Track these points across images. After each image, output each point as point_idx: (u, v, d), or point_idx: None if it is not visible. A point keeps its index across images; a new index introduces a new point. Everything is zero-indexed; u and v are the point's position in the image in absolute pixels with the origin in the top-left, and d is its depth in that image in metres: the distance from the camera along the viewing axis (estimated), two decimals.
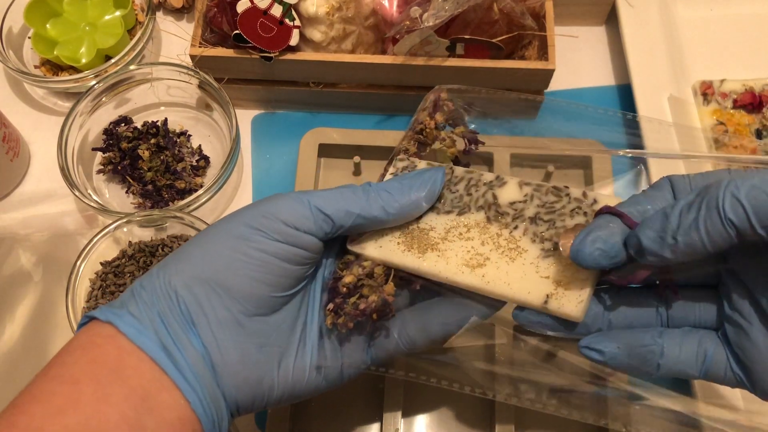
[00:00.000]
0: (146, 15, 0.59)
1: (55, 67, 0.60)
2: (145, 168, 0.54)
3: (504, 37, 0.51)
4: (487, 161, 0.52)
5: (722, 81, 0.55)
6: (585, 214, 0.32)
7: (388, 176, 0.38)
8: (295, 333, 0.34)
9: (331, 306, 0.33)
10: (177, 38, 0.61)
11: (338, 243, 0.36)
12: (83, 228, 0.55)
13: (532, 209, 0.33)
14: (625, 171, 0.56)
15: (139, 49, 0.57)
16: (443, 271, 0.33)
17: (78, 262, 0.48)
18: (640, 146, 0.52)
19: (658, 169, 0.51)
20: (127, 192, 0.56)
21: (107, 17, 0.60)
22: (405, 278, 0.35)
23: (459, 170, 0.36)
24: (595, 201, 0.32)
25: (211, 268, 0.31)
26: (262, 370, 0.32)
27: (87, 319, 0.32)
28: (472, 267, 0.33)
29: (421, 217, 0.35)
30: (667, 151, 0.52)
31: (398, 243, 0.35)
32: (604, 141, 0.54)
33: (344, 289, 0.34)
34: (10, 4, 0.59)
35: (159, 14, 0.64)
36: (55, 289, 0.53)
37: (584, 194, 0.33)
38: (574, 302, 0.30)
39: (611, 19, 0.62)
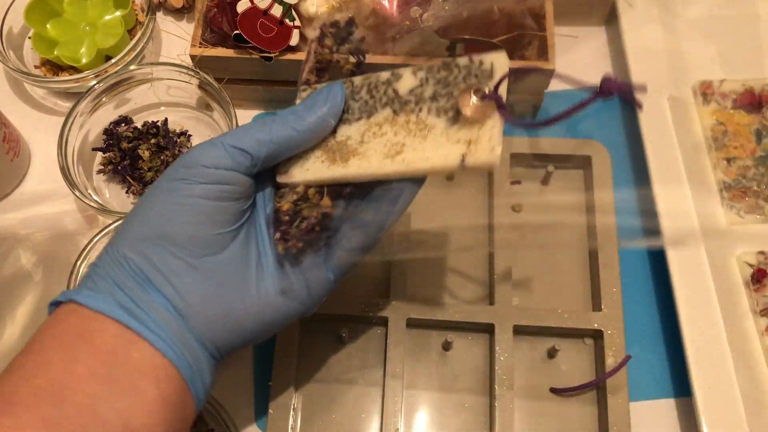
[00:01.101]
0: (146, 15, 0.59)
1: (55, 67, 0.60)
2: (146, 168, 0.54)
3: (504, 37, 0.51)
4: None
5: (722, 81, 0.55)
6: (476, 76, 0.34)
7: None
8: (250, 265, 0.35)
9: (278, 235, 0.35)
10: (177, 38, 0.61)
11: (271, 179, 0.38)
12: (83, 228, 0.55)
13: (430, 89, 0.35)
14: (625, 171, 0.56)
15: (139, 49, 0.57)
16: (368, 168, 0.35)
17: (78, 262, 0.48)
18: (641, 146, 0.52)
19: (658, 169, 0.51)
20: (127, 192, 0.56)
21: (107, 17, 0.61)
22: (336, 189, 0.37)
23: (357, 79, 0.38)
24: (481, 63, 0.34)
25: (151, 226, 0.34)
26: (226, 304, 0.34)
27: (52, 308, 0.34)
28: (392, 156, 0.35)
29: (335, 131, 0.37)
30: (668, 150, 0.52)
31: (322, 161, 0.37)
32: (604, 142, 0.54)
33: (285, 217, 0.36)
34: (10, 4, 0.59)
35: (159, 14, 0.64)
36: (55, 289, 0.53)
37: (470, 59, 0.35)
38: (487, 150, 0.32)
39: (611, 19, 0.62)
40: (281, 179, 0.38)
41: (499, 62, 0.34)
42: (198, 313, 0.33)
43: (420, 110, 0.35)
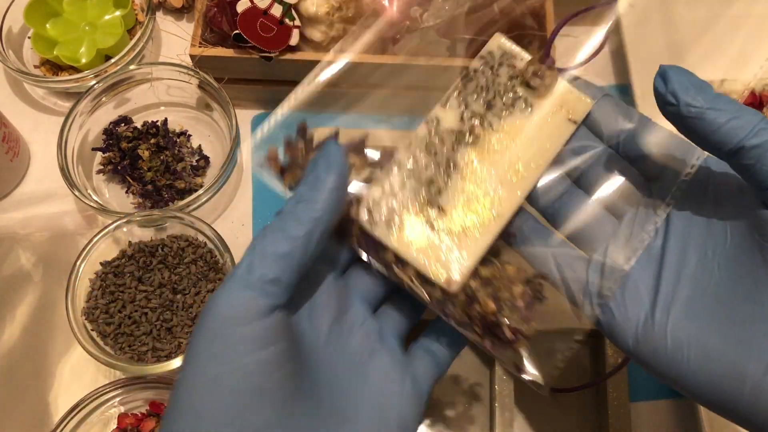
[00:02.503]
0: (146, 15, 0.59)
1: (55, 67, 0.60)
2: (145, 168, 0.54)
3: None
4: None
5: (722, 81, 0.55)
6: (503, 63, 0.35)
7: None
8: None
9: (510, 335, 0.31)
10: (177, 38, 0.61)
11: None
12: (83, 228, 0.55)
13: (478, 104, 0.34)
14: None
15: (139, 49, 0.57)
16: (510, 203, 0.33)
17: (78, 262, 0.48)
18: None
19: None
20: (127, 192, 0.56)
21: (107, 17, 0.60)
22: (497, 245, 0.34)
23: (402, 155, 0.34)
24: (490, 53, 0.35)
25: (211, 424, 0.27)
26: None
27: None
28: (511, 180, 0.33)
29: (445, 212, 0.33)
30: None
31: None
32: None
33: (489, 305, 0.31)
34: (10, 4, 0.59)
35: (159, 14, 0.64)
36: (55, 289, 0.53)
37: (481, 57, 0.35)
38: (582, 101, 0.34)
39: (611, 20, 0.62)
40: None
41: (499, 44, 0.35)
42: None
43: (489, 124, 0.34)
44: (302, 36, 0.52)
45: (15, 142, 0.55)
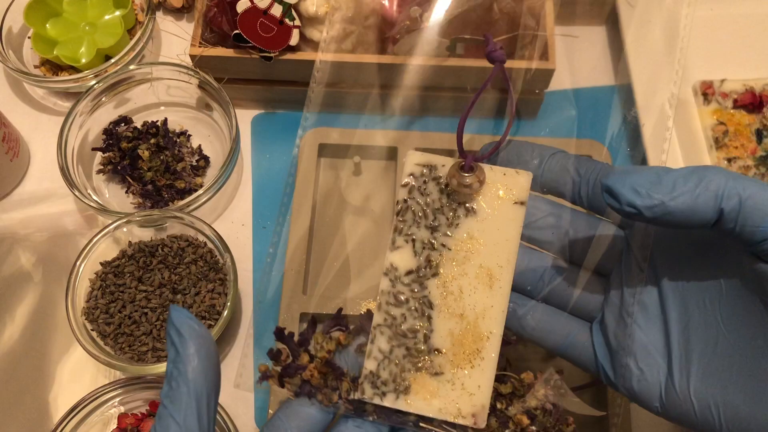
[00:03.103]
0: (146, 15, 0.59)
1: (55, 67, 0.60)
2: (145, 168, 0.54)
3: (504, 37, 0.51)
4: None
5: (722, 81, 0.55)
6: (427, 175, 0.34)
7: None
8: None
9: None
10: (177, 38, 0.61)
11: None
12: (83, 228, 0.55)
13: (423, 232, 0.33)
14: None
15: (139, 48, 0.57)
16: (500, 300, 0.33)
17: (78, 262, 0.48)
18: (641, 146, 0.52)
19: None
20: (126, 192, 0.56)
21: (107, 17, 0.60)
22: None
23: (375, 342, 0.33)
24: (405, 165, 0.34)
25: None
26: None
27: None
28: (490, 284, 0.33)
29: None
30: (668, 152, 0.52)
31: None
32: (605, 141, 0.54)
33: (523, 420, 0.32)
34: (10, 4, 0.59)
35: (159, 14, 0.64)
36: (55, 289, 0.53)
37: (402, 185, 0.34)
38: (521, 182, 0.34)
39: (611, 19, 0.62)
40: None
41: (416, 162, 0.34)
42: None
43: (443, 246, 0.33)
44: (302, 36, 0.52)
45: (15, 142, 0.55)
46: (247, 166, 0.58)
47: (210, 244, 0.50)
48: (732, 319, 0.29)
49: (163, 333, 0.48)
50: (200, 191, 0.51)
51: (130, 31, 0.61)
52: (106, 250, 0.50)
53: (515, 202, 0.33)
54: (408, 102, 0.56)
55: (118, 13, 0.60)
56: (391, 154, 0.54)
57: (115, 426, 0.47)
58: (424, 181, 0.34)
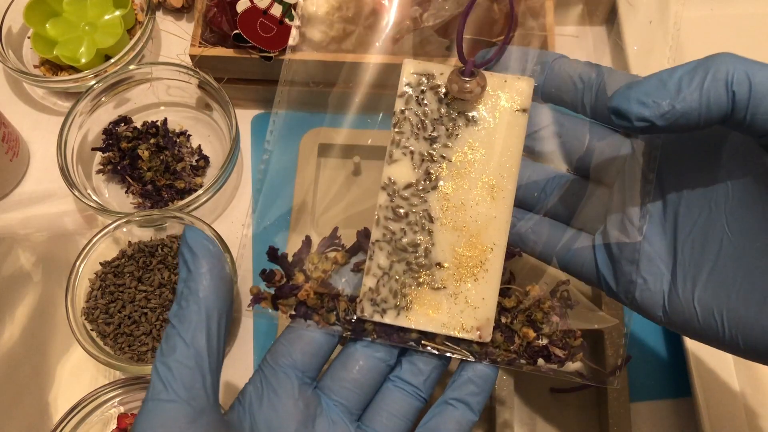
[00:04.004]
0: (146, 15, 0.59)
1: (55, 66, 0.60)
2: (145, 168, 0.54)
3: (504, 37, 0.51)
4: None
5: None
6: (428, 85, 0.32)
7: None
8: None
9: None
10: (177, 38, 0.61)
11: None
12: (83, 228, 0.55)
13: (422, 144, 0.32)
14: None
15: (138, 48, 0.57)
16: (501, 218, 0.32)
17: (78, 262, 0.48)
18: None
19: None
20: (126, 192, 0.56)
21: (107, 17, 0.60)
22: None
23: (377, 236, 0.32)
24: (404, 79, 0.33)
25: None
26: None
27: None
28: (492, 195, 0.32)
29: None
30: None
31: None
32: None
33: (528, 333, 0.32)
34: (10, 4, 0.59)
35: (158, 14, 0.64)
36: (55, 289, 0.53)
37: (400, 94, 0.33)
38: (522, 84, 0.32)
39: (611, 19, 0.62)
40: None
41: (412, 70, 0.32)
42: None
43: (442, 158, 0.32)
44: (302, 36, 0.52)
45: (15, 142, 0.55)
46: (246, 166, 0.58)
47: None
48: (737, 221, 0.28)
49: (163, 333, 0.48)
50: (200, 191, 0.51)
51: (130, 31, 0.61)
52: (105, 250, 0.50)
53: (517, 110, 0.31)
54: None
55: (117, 13, 0.60)
56: None
57: (115, 426, 0.47)
58: (422, 91, 0.32)
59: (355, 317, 0.31)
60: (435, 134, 0.32)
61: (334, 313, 0.31)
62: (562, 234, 0.33)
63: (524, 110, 0.31)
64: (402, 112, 0.32)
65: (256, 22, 0.50)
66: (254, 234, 0.56)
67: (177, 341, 0.27)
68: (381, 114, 0.59)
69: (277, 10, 0.50)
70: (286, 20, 0.50)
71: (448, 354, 0.31)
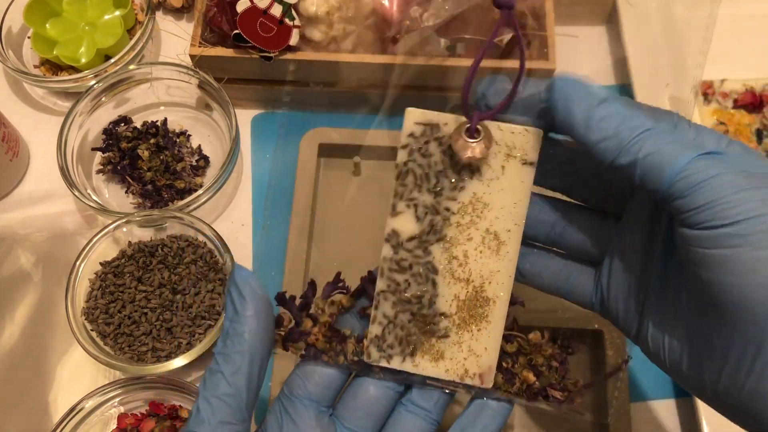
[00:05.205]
0: (146, 15, 0.59)
1: (55, 66, 0.60)
2: (145, 168, 0.54)
3: (504, 37, 0.51)
4: None
5: (723, 81, 0.55)
6: (430, 140, 0.31)
7: None
8: None
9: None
10: (177, 38, 0.61)
11: None
12: (83, 228, 0.55)
13: (427, 196, 0.31)
14: None
15: (138, 48, 0.57)
16: (510, 261, 0.33)
17: (77, 262, 0.48)
18: None
19: None
20: (126, 192, 0.56)
21: (107, 17, 0.60)
22: None
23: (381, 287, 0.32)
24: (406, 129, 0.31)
25: None
26: None
27: None
28: (496, 250, 0.32)
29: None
30: None
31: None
32: None
33: (529, 377, 0.33)
34: (10, 4, 0.59)
35: (158, 14, 0.64)
36: (55, 289, 0.53)
37: (401, 147, 0.32)
38: (530, 144, 0.31)
39: (611, 19, 0.62)
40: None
41: (415, 120, 0.31)
42: None
43: (447, 210, 0.31)
44: (302, 36, 0.52)
45: (15, 142, 0.55)
46: (247, 166, 0.58)
47: (210, 244, 0.50)
48: (690, 280, 0.28)
49: (163, 333, 0.48)
50: (200, 191, 0.51)
51: (130, 31, 0.61)
52: (105, 250, 0.50)
53: (524, 163, 0.31)
54: (408, 102, 0.55)
55: (117, 13, 0.60)
56: (392, 154, 0.54)
57: (115, 426, 0.47)
58: (425, 142, 0.31)
59: (363, 358, 0.32)
60: (439, 187, 0.31)
61: (342, 354, 0.32)
62: (558, 265, 0.34)
63: (531, 164, 0.31)
64: (405, 164, 0.31)
65: (256, 22, 0.50)
66: (254, 234, 0.56)
67: (219, 378, 0.29)
68: (381, 114, 0.59)
69: (277, 10, 0.50)
70: (286, 20, 0.50)
71: (450, 390, 0.33)
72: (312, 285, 0.34)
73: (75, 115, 0.53)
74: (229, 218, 0.56)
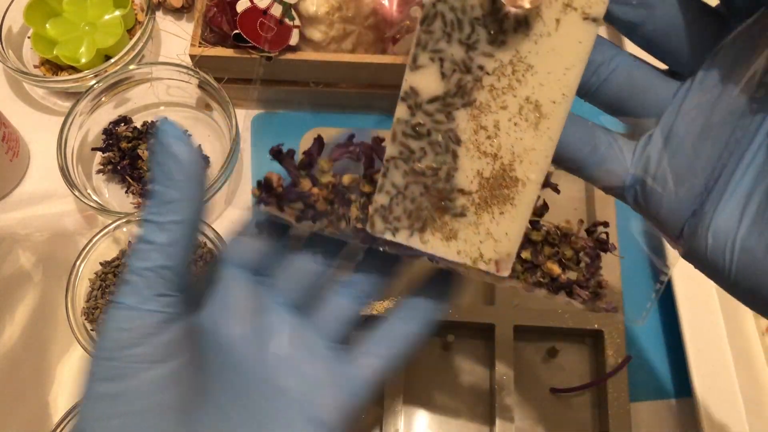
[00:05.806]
0: (146, 15, 0.59)
1: (55, 66, 0.60)
2: (145, 168, 0.54)
3: None
4: None
5: None
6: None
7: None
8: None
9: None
10: (177, 38, 0.61)
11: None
12: (83, 228, 0.55)
13: (458, 39, 0.25)
14: None
15: (138, 48, 0.57)
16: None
17: (78, 262, 0.48)
18: None
19: None
20: (126, 192, 0.56)
21: (107, 17, 0.60)
22: None
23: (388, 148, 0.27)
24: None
25: None
26: None
27: None
28: (536, 122, 0.26)
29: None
30: None
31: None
32: None
33: (554, 269, 0.28)
34: (10, 4, 0.59)
35: (158, 14, 0.64)
36: (55, 289, 0.53)
37: None
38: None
39: None
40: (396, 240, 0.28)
41: None
42: None
43: (480, 69, 0.25)
44: (302, 36, 0.52)
45: (15, 142, 0.55)
46: (247, 166, 0.58)
47: (210, 244, 0.50)
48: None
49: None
50: None
51: (130, 31, 0.61)
52: (105, 250, 0.50)
53: (586, 18, 0.24)
54: None
55: (117, 13, 0.60)
56: None
57: None
58: None
59: (366, 229, 0.28)
60: (473, 38, 0.25)
61: (343, 220, 0.29)
62: (588, 131, 0.28)
63: (595, 20, 0.24)
64: (433, 4, 0.25)
65: (256, 22, 0.50)
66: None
67: (153, 250, 0.26)
68: (381, 113, 0.59)
69: (277, 10, 0.50)
70: (286, 20, 0.50)
71: (460, 269, 0.28)
72: (319, 141, 0.29)
73: (75, 115, 0.53)
74: (229, 218, 0.56)
